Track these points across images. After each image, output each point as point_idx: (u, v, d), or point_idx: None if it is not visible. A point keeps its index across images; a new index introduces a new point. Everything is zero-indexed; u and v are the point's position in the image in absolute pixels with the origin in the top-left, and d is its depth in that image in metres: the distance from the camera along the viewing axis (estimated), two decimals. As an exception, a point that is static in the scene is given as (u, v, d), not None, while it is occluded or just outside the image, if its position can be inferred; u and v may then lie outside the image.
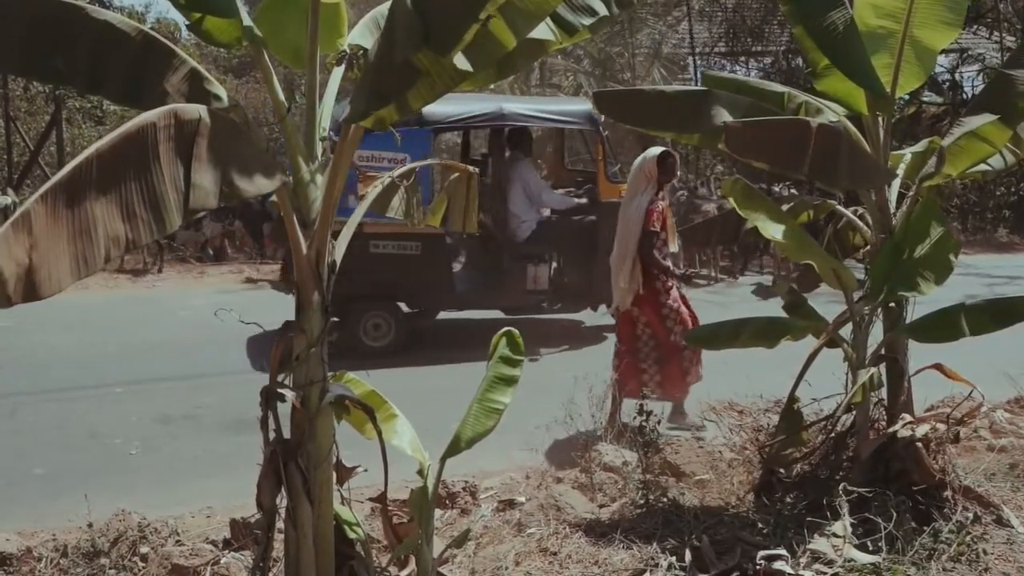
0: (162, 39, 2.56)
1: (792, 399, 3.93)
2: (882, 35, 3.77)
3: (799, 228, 4.02)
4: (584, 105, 8.13)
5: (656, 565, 3.35)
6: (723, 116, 3.78)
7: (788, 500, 3.79)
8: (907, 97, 13.73)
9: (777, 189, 13.49)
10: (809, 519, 3.52)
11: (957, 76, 17.58)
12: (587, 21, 2.61)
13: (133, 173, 1.90)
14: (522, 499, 4.15)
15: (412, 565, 3.02)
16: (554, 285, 7.95)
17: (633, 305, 5.40)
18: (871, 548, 3.36)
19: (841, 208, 4.30)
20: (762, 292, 10.34)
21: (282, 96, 2.60)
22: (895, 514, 3.43)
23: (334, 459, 2.69)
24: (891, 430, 3.78)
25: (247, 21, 2.50)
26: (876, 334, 3.92)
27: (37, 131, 16.10)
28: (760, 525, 3.63)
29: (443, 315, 8.30)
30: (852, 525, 3.44)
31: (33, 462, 5.15)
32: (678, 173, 5.72)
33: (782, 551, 3.31)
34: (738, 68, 18.72)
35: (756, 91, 4.20)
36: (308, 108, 2.61)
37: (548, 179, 8.57)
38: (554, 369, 6.45)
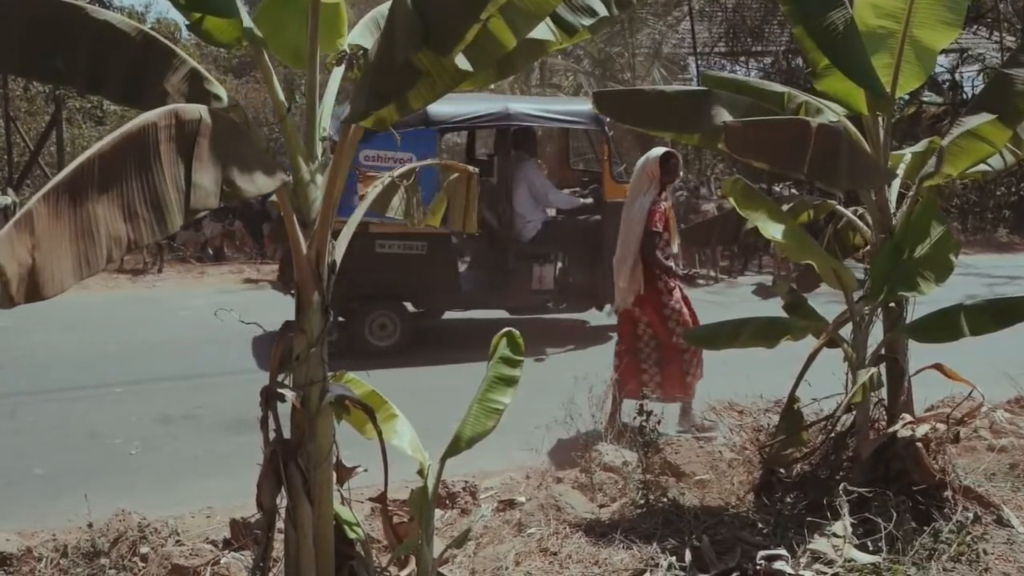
0: (162, 39, 2.56)
1: (792, 399, 3.93)
2: (882, 35, 3.77)
3: (799, 228, 4.02)
4: (590, 105, 8.14)
5: (656, 565, 3.35)
6: (723, 116, 3.78)
7: (788, 500, 3.79)
8: (907, 97, 13.73)
9: (777, 189, 13.49)
10: (809, 519, 3.52)
11: (957, 76, 17.58)
12: (587, 21, 2.61)
13: (134, 173, 1.91)
14: (522, 499, 4.15)
15: (412, 565, 3.02)
16: (559, 285, 7.96)
17: (635, 305, 5.40)
18: (871, 548, 3.36)
19: (841, 208, 4.30)
20: (762, 292, 10.34)
21: (282, 96, 2.60)
22: (895, 514, 3.43)
23: (334, 459, 2.69)
24: (891, 430, 3.78)
25: (247, 21, 2.50)
26: (876, 334, 3.92)
27: (37, 131, 16.10)
28: (760, 525, 3.63)
29: (448, 315, 8.30)
30: (852, 525, 3.44)
31: (33, 462, 5.15)
32: (681, 174, 5.72)
33: (782, 551, 3.31)
34: (738, 68, 18.72)
35: (756, 91, 4.20)
36: (308, 108, 2.61)
37: (552, 179, 8.56)
38: (555, 369, 6.45)
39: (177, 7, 2.45)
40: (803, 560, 3.33)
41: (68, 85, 2.97)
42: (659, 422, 4.17)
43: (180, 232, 11.45)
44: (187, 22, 2.52)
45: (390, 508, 2.99)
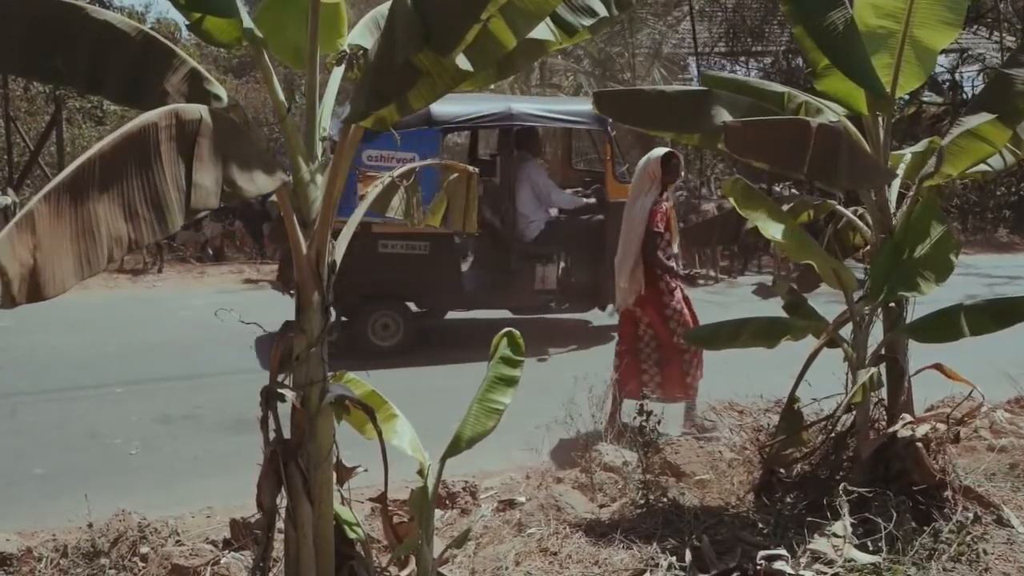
0: (162, 39, 2.56)
1: (792, 399, 3.93)
2: (882, 35, 3.76)
3: (799, 228, 4.02)
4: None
5: (656, 565, 3.35)
6: (723, 116, 3.78)
7: (788, 500, 3.79)
8: (907, 97, 13.73)
9: (778, 189, 13.50)
10: (809, 519, 3.52)
11: (957, 76, 17.57)
12: (587, 22, 2.61)
13: (135, 173, 1.91)
14: (522, 499, 4.15)
15: (412, 565, 3.02)
16: (562, 285, 7.97)
17: (636, 305, 5.40)
18: (871, 548, 3.36)
19: (841, 208, 4.30)
20: (762, 292, 10.34)
21: (282, 96, 2.60)
22: (895, 514, 3.43)
23: (334, 459, 2.69)
24: (891, 430, 3.78)
25: (247, 21, 2.50)
26: (876, 334, 3.92)
27: (37, 131, 16.09)
28: (760, 525, 3.63)
29: (450, 315, 8.31)
30: (852, 525, 3.44)
31: (33, 462, 5.15)
32: (682, 174, 5.72)
33: (782, 551, 3.31)
34: (738, 68, 18.72)
35: (756, 91, 4.20)
36: (308, 108, 2.61)
37: (554, 179, 8.57)
38: (556, 369, 6.46)
39: (177, 7, 2.45)
40: (803, 560, 3.33)
41: (68, 85, 2.97)
42: (659, 422, 4.17)
43: (180, 232, 11.42)
44: (187, 22, 2.52)
45: (390, 508, 2.99)
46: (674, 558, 3.36)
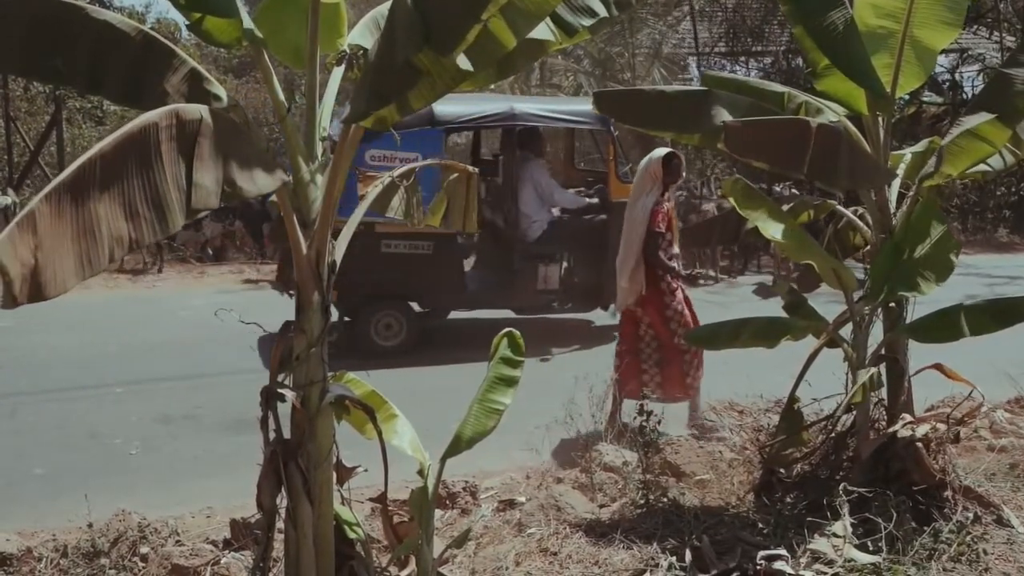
0: (162, 39, 2.56)
1: (792, 399, 3.93)
2: (882, 35, 3.77)
3: (799, 228, 4.03)
4: None
5: (656, 565, 3.35)
6: (723, 116, 3.78)
7: (788, 500, 3.79)
8: (907, 97, 13.73)
9: (778, 189, 13.50)
10: (809, 519, 3.52)
11: (957, 76, 17.57)
12: (587, 22, 2.61)
13: (136, 173, 1.91)
14: (522, 499, 4.15)
15: (412, 565, 3.02)
16: (565, 285, 7.98)
17: (637, 306, 5.40)
18: (871, 548, 3.36)
19: (841, 208, 4.30)
20: (763, 292, 10.34)
21: (282, 96, 2.60)
22: (895, 514, 3.43)
23: (334, 459, 2.69)
24: (891, 430, 3.78)
25: (247, 22, 2.50)
26: (876, 334, 3.92)
27: (37, 131, 16.09)
28: (760, 525, 3.63)
29: (453, 314, 8.32)
30: (852, 525, 3.44)
31: (33, 462, 5.15)
32: (684, 174, 5.72)
33: (782, 551, 3.31)
34: (738, 68, 18.72)
35: (756, 91, 4.20)
36: (308, 108, 2.61)
37: (556, 179, 8.58)
38: (558, 369, 6.46)
39: (177, 7, 2.45)
40: (803, 560, 3.33)
41: (68, 85, 2.97)
42: (659, 422, 4.17)
43: (180, 232, 11.39)
44: (187, 22, 2.52)
45: (390, 508, 2.99)
46: (674, 558, 3.36)
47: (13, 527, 3.96)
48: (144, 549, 3.51)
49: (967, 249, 12.78)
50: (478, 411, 2.91)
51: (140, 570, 3.41)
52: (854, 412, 3.88)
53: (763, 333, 3.95)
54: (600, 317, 8.36)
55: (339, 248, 2.66)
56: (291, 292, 7.35)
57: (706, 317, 5.36)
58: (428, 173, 3.56)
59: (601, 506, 4.06)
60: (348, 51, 2.75)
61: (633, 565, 3.38)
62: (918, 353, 3.94)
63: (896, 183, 3.97)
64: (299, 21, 2.67)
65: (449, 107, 7.30)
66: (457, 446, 2.88)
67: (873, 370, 3.73)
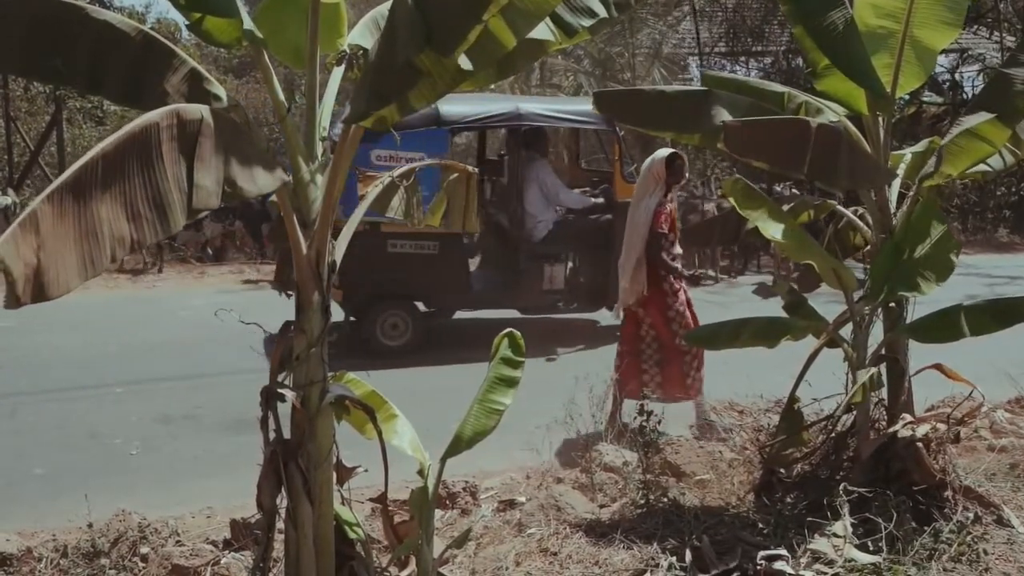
0: (162, 39, 2.56)
1: (792, 399, 3.93)
2: (882, 35, 3.76)
3: (799, 228, 4.03)
4: None
5: (656, 565, 3.35)
6: (723, 116, 3.78)
7: (788, 500, 3.79)
8: (907, 97, 13.73)
9: (778, 189, 13.50)
10: (809, 519, 3.52)
11: (957, 76, 17.58)
12: (586, 23, 2.61)
13: (137, 173, 1.91)
14: (522, 499, 4.15)
15: (412, 565, 3.02)
16: (570, 285, 7.99)
17: (639, 306, 5.40)
18: (871, 548, 3.36)
19: (841, 208, 4.30)
20: (763, 292, 10.34)
21: (282, 96, 2.60)
22: (895, 514, 3.42)
23: (334, 459, 2.69)
24: (891, 430, 3.78)
25: (247, 22, 2.50)
26: (876, 334, 3.92)
27: (37, 131, 16.10)
28: (760, 525, 3.62)
29: (458, 314, 8.32)
30: (852, 525, 3.44)
31: (33, 462, 5.15)
32: (687, 175, 5.73)
33: (782, 551, 3.31)
34: (738, 68, 18.72)
35: (756, 91, 4.20)
36: (308, 108, 2.61)
37: (562, 179, 8.60)
38: (561, 369, 6.46)
39: (177, 7, 2.44)
40: (803, 560, 3.33)
41: (68, 85, 2.98)
42: (659, 422, 4.17)
43: (180, 232, 11.37)
44: (187, 22, 2.52)
45: (390, 508, 3.00)
46: (674, 558, 3.36)
47: (13, 527, 3.96)
48: (144, 549, 3.51)
49: (967, 249, 12.78)
50: (478, 411, 2.91)
51: (140, 570, 3.41)
52: (854, 412, 3.88)
53: (763, 333, 3.95)
54: (605, 317, 8.36)
55: (339, 248, 2.66)
56: (289, 292, 7.40)
57: (706, 317, 5.36)
58: (427, 173, 3.56)
59: (601, 506, 4.06)
60: (348, 51, 2.75)
61: (633, 565, 3.38)
62: (918, 353, 3.94)
63: (896, 183, 3.97)
64: (299, 21, 2.67)
65: (455, 107, 7.32)
66: (457, 446, 2.88)
67: (873, 370, 3.73)
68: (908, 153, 4.11)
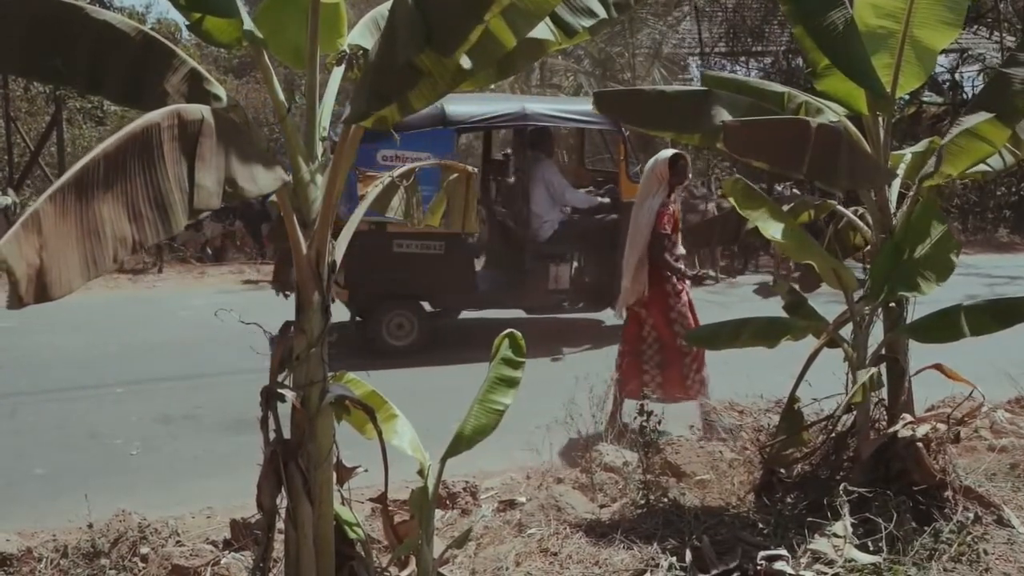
0: (162, 39, 2.56)
1: (792, 399, 3.93)
2: (882, 35, 3.76)
3: (799, 228, 4.02)
4: None
5: (657, 565, 3.35)
6: (723, 116, 3.77)
7: (789, 500, 3.79)
8: (907, 97, 13.72)
9: (778, 189, 13.50)
10: (810, 519, 3.52)
11: (957, 76, 17.57)
12: (586, 23, 2.61)
13: (139, 173, 1.91)
14: (523, 499, 4.15)
15: (412, 565, 3.02)
16: (575, 285, 8.00)
17: (641, 307, 5.40)
18: (872, 548, 3.36)
19: (841, 208, 4.30)
20: (763, 291, 10.35)
21: (282, 96, 2.60)
22: (896, 514, 3.42)
23: (334, 459, 2.68)
24: (892, 430, 3.77)
25: (247, 22, 2.50)
26: (876, 334, 3.92)
27: (37, 131, 16.10)
28: (761, 525, 3.62)
29: (464, 314, 8.33)
30: (853, 525, 3.44)
31: (33, 462, 5.15)
32: (690, 176, 5.73)
33: (783, 551, 3.31)
34: (738, 68, 18.72)
35: (756, 91, 4.20)
36: (308, 108, 2.61)
37: (567, 179, 8.61)
38: (564, 369, 6.45)
39: (177, 7, 2.45)
40: (803, 560, 3.33)
41: (68, 85, 2.98)
42: (659, 422, 4.17)
43: (180, 232, 11.35)
44: (187, 22, 2.52)
45: (390, 508, 2.99)
46: (674, 558, 3.36)
47: (13, 527, 3.96)
48: (144, 549, 3.51)
49: (967, 249, 12.78)
50: (478, 411, 2.91)
51: (140, 570, 3.41)
52: (854, 412, 3.88)
53: (763, 333, 3.95)
54: (610, 317, 8.35)
55: (339, 248, 2.66)
56: (287, 293, 7.41)
57: (706, 317, 5.36)
58: (428, 173, 3.56)
59: (601, 506, 4.06)
60: (348, 51, 2.75)
61: (633, 565, 3.38)
62: (918, 353, 3.94)
63: (896, 183, 3.97)
64: (299, 21, 2.67)
65: (461, 107, 7.32)
66: (457, 446, 2.88)
67: (873, 370, 3.73)
68: (908, 153, 4.11)
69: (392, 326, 7.58)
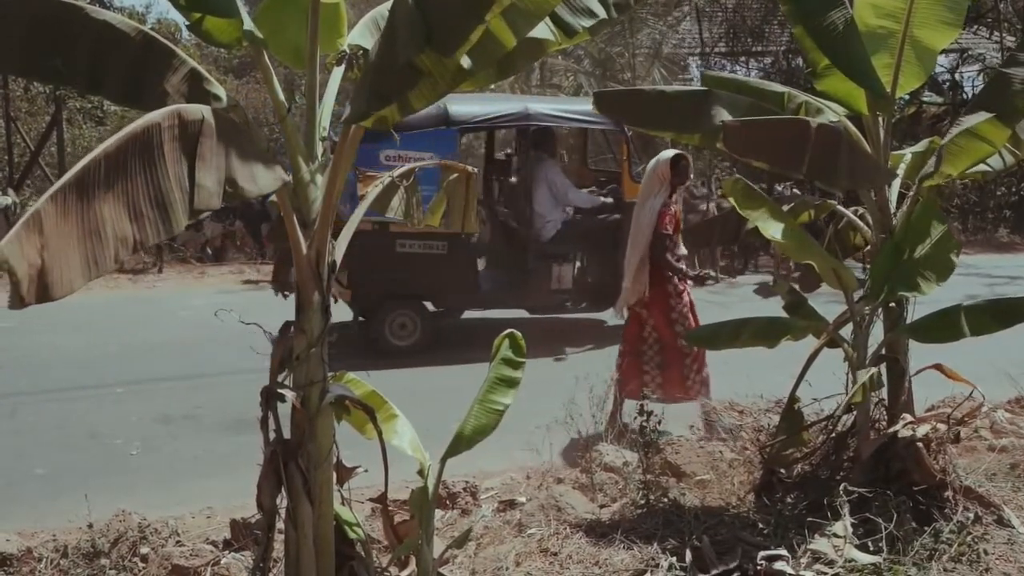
0: (162, 39, 2.56)
1: (793, 399, 3.93)
2: (882, 35, 3.76)
3: (799, 228, 4.02)
4: None
5: (657, 565, 3.35)
6: (723, 116, 3.77)
7: (789, 500, 3.79)
8: (907, 97, 13.73)
9: (778, 189, 13.50)
10: (810, 519, 3.52)
11: (957, 76, 17.58)
12: (586, 23, 2.61)
13: (139, 173, 1.91)
14: (523, 499, 4.15)
15: (412, 565, 3.02)
16: (578, 284, 8.00)
17: (642, 307, 5.40)
18: (872, 548, 3.36)
19: (841, 208, 4.30)
20: (763, 291, 10.35)
21: (282, 96, 2.60)
22: (896, 514, 3.42)
23: (334, 459, 2.68)
24: (892, 430, 3.77)
25: (247, 22, 2.50)
26: (876, 334, 3.92)
27: (38, 131, 16.11)
28: (761, 525, 3.62)
29: (466, 314, 8.33)
30: (853, 525, 3.44)
31: (33, 462, 5.15)
32: (691, 176, 5.74)
33: (783, 551, 3.31)
34: (738, 68, 18.72)
35: (756, 91, 4.20)
36: (308, 108, 2.61)
37: (570, 179, 8.61)
38: (565, 369, 6.45)
39: (177, 7, 2.44)
40: (804, 560, 3.33)
41: (68, 85, 2.98)
42: (659, 422, 4.17)
43: (181, 232, 11.35)
44: (187, 22, 2.52)
45: (390, 508, 2.99)
46: (674, 558, 3.36)
47: (13, 527, 3.96)
48: (144, 549, 3.51)
49: (967, 249, 12.79)
50: (478, 411, 2.91)
51: (140, 570, 3.41)
52: (854, 412, 3.88)
53: (763, 333, 3.95)
54: (613, 317, 8.36)
55: (339, 248, 2.66)
56: (286, 293, 7.41)
57: (706, 317, 5.36)
58: (429, 173, 3.56)
59: (601, 506, 4.06)
60: (348, 51, 2.75)
61: (633, 565, 3.38)
62: (918, 353, 3.94)
63: (896, 183, 3.97)
64: (299, 21, 2.67)
65: (464, 107, 7.33)
66: (457, 446, 2.88)
67: (873, 370, 3.73)
68: (908, 153, 4.11)
69: (395, 326, 7.58)
